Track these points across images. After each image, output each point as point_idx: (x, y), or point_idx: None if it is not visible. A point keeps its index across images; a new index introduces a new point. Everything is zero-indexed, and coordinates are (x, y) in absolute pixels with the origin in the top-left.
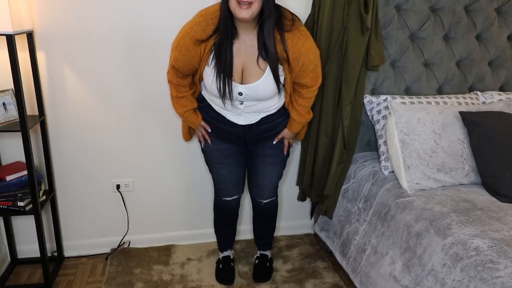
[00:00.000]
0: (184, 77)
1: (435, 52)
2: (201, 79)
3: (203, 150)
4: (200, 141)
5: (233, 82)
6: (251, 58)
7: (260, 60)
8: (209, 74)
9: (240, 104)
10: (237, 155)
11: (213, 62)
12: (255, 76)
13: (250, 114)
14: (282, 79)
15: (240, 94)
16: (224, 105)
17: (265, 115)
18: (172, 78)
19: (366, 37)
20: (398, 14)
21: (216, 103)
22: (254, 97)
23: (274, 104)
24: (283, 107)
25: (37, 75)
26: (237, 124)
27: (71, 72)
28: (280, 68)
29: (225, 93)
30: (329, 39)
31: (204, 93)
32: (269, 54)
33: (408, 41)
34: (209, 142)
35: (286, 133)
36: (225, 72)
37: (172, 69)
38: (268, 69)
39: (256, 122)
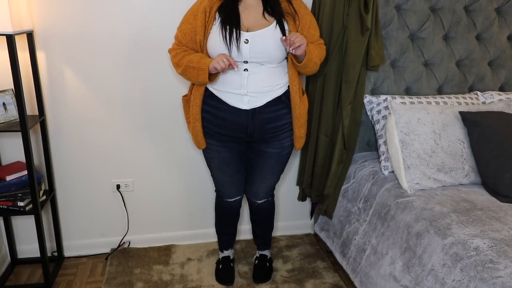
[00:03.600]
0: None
1: (435, 52)
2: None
3: (204, 156)
4: (222, 67)
5: (239, 31)
6: (257, 14)
7: (266, 14)
8: (215, 31)
9: (245, 71)
10: (238, 163)
11: (219, 19)
12: (261, 27)
13: (253, 97)
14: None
15: (246, 41)
16: (230, 53)
17: (269, 99)
18: (176, 46)
19: (366, 37)
20: (398, 14)
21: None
22: (260, 49)
23: (279, 82)
24: (287, 95)
25: (37, 75)
26: (240, 110)
27: (71, 72)
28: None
29: (231, 40)
30: (329, 39)
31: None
32: (274, 10)
33: (408, 41)
34: (234, 66)
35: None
36: (232, 20)
37: (177, 44)
38: (274, 22)
39: (259, 109)
